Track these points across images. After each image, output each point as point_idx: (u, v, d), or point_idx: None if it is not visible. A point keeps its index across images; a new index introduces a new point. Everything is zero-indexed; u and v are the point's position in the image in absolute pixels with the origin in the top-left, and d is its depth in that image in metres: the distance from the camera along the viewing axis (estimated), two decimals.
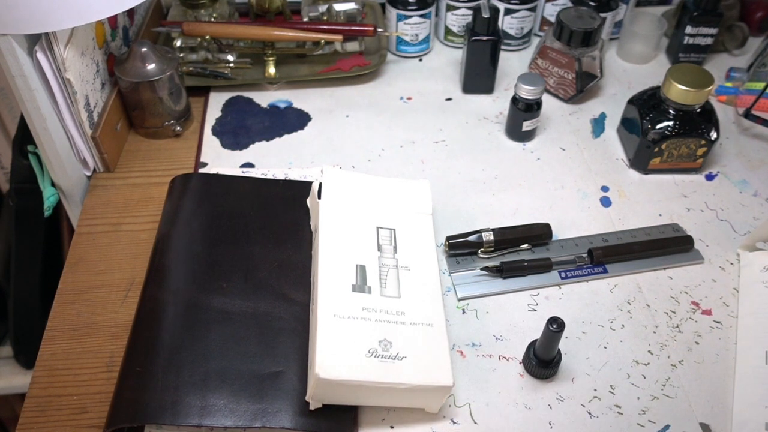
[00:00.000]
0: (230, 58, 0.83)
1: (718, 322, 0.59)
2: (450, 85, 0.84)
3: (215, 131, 0.76)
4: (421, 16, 0.84)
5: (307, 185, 0.65)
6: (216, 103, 0.80)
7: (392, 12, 0.84)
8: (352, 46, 0.85)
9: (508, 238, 0.63)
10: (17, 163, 0.75)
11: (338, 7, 0.85)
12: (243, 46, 0.83)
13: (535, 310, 0.59)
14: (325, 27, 0.82)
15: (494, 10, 0.76)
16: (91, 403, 0.52)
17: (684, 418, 0.52)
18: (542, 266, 0.62)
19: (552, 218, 0.67)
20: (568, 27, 0.76)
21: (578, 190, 0.71)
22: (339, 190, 0.60)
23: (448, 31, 0.88)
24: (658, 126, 0.69)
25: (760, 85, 0.79)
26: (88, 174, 0.70)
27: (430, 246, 0.58)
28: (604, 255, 0.62)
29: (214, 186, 0.65)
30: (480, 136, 0.77)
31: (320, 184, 0.60)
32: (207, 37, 0.79)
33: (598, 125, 0.79)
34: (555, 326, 0.50)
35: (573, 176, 0.72)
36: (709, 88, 0.67)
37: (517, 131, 0.75)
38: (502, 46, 0.87)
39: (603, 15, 0.81)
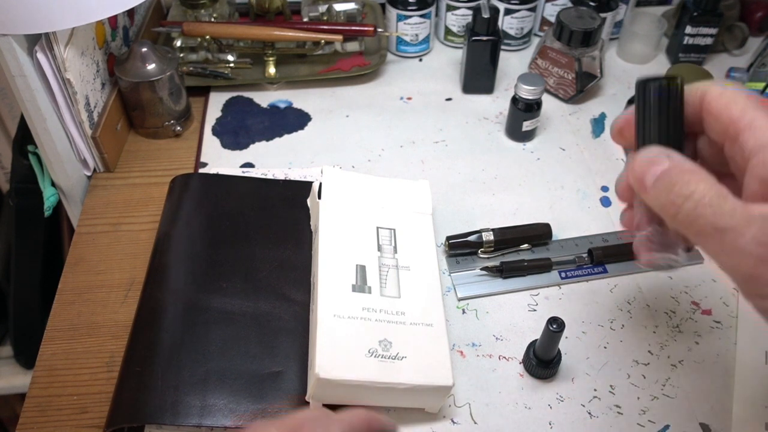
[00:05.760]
0: (230, 58, 0.83)
1: (718, 322, 0.59)
2: (450, 85, 0.84)
3: (215, 131, 0.76)
4: (421, 16, 0.84)
5: (307, 185, 0.65)
6: (216, 103, 0.80)
7: (392, 12, 0.84)
8: (352, 46, 0.85)
9: (508, 238, 0.63)
10: (17, 163, 0.75)
11: (338, 7, 0.85)
12: (243, 46, 0.83)
13: (535, 310, 0.59)
14: (325, 27, 0.82)
15: (494, 10, 0.76)
16: (91, 403, 0.52)
17: (684, 418, 0.52)
18: (542, 266, 0.62)
19: (552, 218, 0.67)
20: (568, 27, 0.76)
21: (578, 190, 0.71)
22: (339, 190, 0.60)
23: (448, 31, 0.88)
24: None
25: (760, 85, 0.79)
26: (88, 174, 0.70)
27: (430, 246, 0.58)
28: (604, 255, 0.62)
29: (214, 186, 0.65)
30: (480, 136, 0.77)
31: (320, 184, 0.60)
32: (207, 37, 0.79)
33: (598, 125, 0.79)
34: (555, 326, 0.50)
35: (573, 176, 0.72)
36: None
37: (517, 131, 0.75)
38: (502, 46, 0.87)
39: (603, 15, 0.81)
